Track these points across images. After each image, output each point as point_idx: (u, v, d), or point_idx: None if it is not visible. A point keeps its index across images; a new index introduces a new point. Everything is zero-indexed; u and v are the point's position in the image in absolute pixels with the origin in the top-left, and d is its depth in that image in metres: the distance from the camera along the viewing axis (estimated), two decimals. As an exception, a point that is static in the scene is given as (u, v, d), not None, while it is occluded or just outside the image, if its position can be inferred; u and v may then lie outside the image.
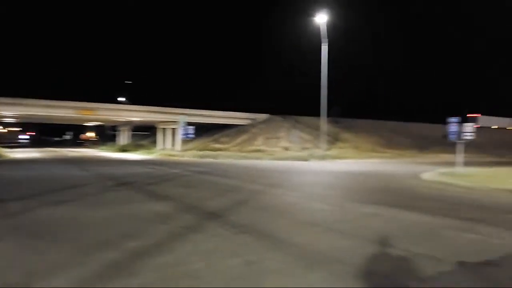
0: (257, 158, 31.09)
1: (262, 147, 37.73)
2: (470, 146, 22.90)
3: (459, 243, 5.95)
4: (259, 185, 13.39)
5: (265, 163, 26.85)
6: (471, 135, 19.01)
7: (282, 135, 40.77)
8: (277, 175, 17.80)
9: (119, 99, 54.88)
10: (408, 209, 9.02)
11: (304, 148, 36.53)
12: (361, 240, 6.05)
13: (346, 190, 13.08)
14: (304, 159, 30.12)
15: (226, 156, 32.57)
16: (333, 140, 39.15)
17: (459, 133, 19.29)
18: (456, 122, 19.34)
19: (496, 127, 59.71)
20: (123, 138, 58.00)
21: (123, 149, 49.98)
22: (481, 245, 5.84)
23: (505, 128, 61.25)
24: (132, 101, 50.97)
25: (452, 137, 19.52)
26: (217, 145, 40.33)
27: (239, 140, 41.00)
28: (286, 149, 37.15)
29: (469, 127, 19.08)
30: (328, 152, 33.10)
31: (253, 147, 37.91)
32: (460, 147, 19.93)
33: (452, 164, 21.05)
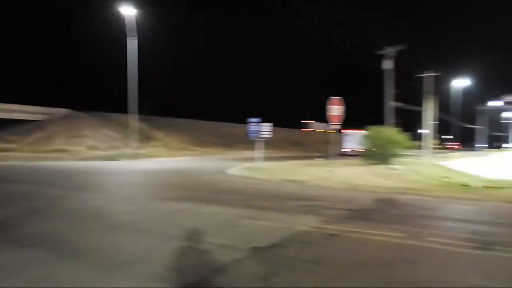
0: (58, 159, 27.69)
1: (64, 147, 33.76)
2: (270, 144, 26.08)
3: (253, 231, 6.59)
4: (61, 189, 11.94)
5: (68, 164, 24.19)
6: (268, 134, 21.56)
7: (88, 133, 37.42)
8: (82, 177, 16.29)
9: None
10: (212, 202, 9.54)
11: (113, 147, 34.51)
12: (166, 237, 6.06)
13: (155, 189, 12.97)
14: (114, 158, 28.45)
15: (17, 157, 27.88)
16: (145, 138, 38.30)
17: (258, 132, 21.64)
18: (255, 122, 21.62)
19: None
20: None
21: None
22: (270, 230, 6.60)
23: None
24: None
25: (252, 136, 21.75)
26: (4, 145, 34.17)
27: (32, 138, 35.63)
28: (94, 148, 34.36)
29: (266, 127, 21.59)
30: (139, 151, 32.21)
31: (53, 147, 33.55)
32: (259, 145, 22.36)
33: (252, 159, 23.38)
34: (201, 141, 43.96)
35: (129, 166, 22.69)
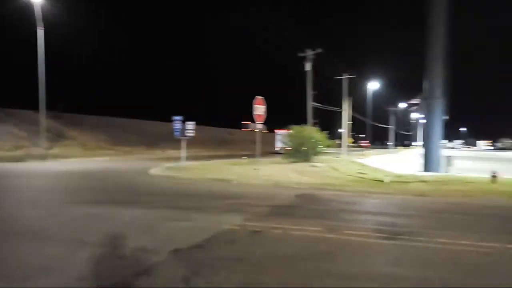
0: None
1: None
2: (195, 143, 25.73)
3: (175, 232, 6.42)
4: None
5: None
6: (191, 132, 21.22)
7: (-16, 131, 33.60)
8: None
9: None
10: (133, 205, 9.13)
11: (18, 147, 31.42)
12: (80, 243, 5.61)
13: (68, 192, 12.02)
14: (19, 159, 25.92)
15: None
16: (56, 137, 35.41)
17: (183, 130, 21.21)
18: (179, 121, 21.16)
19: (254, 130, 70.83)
20: None
21: None
22: (193, 230, 6.49)
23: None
24: None
25: (177, 134, 21.27)
26: None
27: None
28: (-6, 148, 31.03)
29: (190, 125, 21.23)
30: (51, 151, 29.79)
31: None
32: (183, 143, 21.94)
33: (177, 158, 22.87)
34: (121, 140, 41.92)
35: (38, 167, 20.84)
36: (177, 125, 21.20)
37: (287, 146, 26.60)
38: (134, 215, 7.83)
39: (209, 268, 4.53)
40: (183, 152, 22.04)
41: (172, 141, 26.55)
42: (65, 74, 60.29)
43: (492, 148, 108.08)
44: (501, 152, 75.80)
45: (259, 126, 15.91)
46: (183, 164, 21.12)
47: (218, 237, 6.01)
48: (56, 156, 28.25)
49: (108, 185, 13.56)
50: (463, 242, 5.80)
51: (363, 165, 24.16)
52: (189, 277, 4.24)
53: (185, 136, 21.19)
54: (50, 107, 30.37)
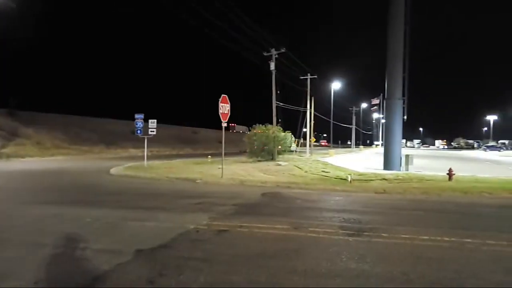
0: None
1: None
2: (159, 141, 25.20)
3: (139, 233, 6.21)
4: None
5: None
6: (153, 131, 20.77)
7: None
8: None
9: None
10: (94, 205, 8.80)
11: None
12: (37, 246, 5.31)
13: (24, 192, 11.40)
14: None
15: None
16: (10, 136, 33.66)
17: (144, 128, 20.73)
18: (141, 119, 20.66)
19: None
20: None
21: None
22: (157, 231, 6.31)
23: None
24: None
25: (138, 133, 20.75)
26: None
27: None
28: None
29: (152, 124, 20.78)
30: (3, 150, 28.25)
31: None
32: (146, 142, 21.43)
33: (139, 158, 22.32)
34: (80, 139, 40.43)
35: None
36: (139, 123, 20.69)
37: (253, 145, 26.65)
38: (95, 215, 7.52)
39: (175, 269, 4.41)
40: (144, 151, 21.54)
41: (133, 140, 25.93)
42: (18, 68, 57.40)
43: (448, 147, 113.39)
44: (456, 151, 79.86)
45: (223, 124, 15.75)
46: (145, 163, 20.63)
47: (183, 237, 5.87)
48: (9, 156, 26.83)
49: (67, 185, 13.00)
50: (423, 237, 5.98)
51: (326, 163, 24.59)
52: (153, 278, 4.10)
53: (147, 135, 20.71)
54: (2, 103, 28.76)
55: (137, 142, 27.81)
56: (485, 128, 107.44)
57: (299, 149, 41.52)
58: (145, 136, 20.80)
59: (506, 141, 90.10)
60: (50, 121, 42.21)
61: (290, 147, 29.09)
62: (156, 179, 14.84)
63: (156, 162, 22.41)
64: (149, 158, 22.23)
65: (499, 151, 67.86)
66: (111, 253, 4.98)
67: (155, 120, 20.78)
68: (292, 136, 29.29)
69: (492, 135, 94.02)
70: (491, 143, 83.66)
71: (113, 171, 17.82)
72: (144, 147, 21.86)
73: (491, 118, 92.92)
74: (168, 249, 5.23)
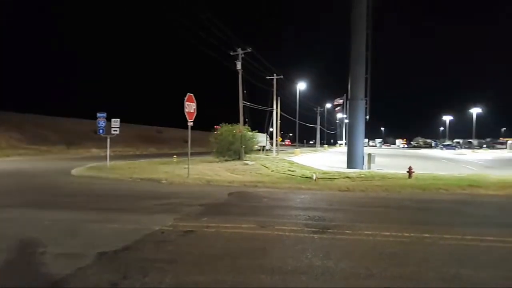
0: None
1: None
2: (120, 141, 24.57)
3: (101, 235, 6.03)
4: None
5: None
6: (116, 130, 20.24)
7: None
8: None
9: None
10: (54, 207, 8.48)
11: None
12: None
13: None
14: None
15: None
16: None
17: (107, 128, 20.17)
18: (103, 118, 20.08)
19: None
20: None
21: None
22: (121, 232, 6.15)
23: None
24: None
25: (101, 132, 20.16)
26: None
27: None
28: None
29: (114, 123, 20.24)
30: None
31: None
32: (108, 142, 20.85)
33: (102, 158, 21.69)
34: (38, 139, 38.72)
35: None
36: (101, 123, 20.10)
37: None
38: (55, 218, 7.26)
39: (139, 271, 4.32)
40: (107, 151, 20.96)
41: (96, 139, 25.18)
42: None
43: (408, 146, 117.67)
44: (415, 149, 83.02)
45: (189, 123, 15.57)
46: (108, 163, 20.08)
47: (148, 239, 5.77)
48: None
49: (24, 187, 12.43)
50: (385, 233, 6.18)
51: (292, 162, 24.87)
52: (117, 281, 4.00)
53: (110, 134, 20.17)
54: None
55: (100, 142, 26.97)
56: (442, 128, 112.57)
57: (266, 148, 41.82)
58: (108, 136, 20.24)
59: (461, 140, 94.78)
60: (5, 120, 40.15)
61: (264, 146, 29.18)
62: (119, 180, 14.48)
63: (120, 163, 21.86)
64: (112, 158, 21.66)
65: (454, 149, 71.27)
66: (72, 257, 4.81)
67: (118, 119, 20.25)
68: (268, 136, 29.42)
69: (448, 134, 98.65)
70: (447, 142, 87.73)
71: (74, 172, 17.22)
72: (106, 147, 21.27)
73: (447, 118, 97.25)
74: (132, 251, 5.12)
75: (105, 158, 21.46)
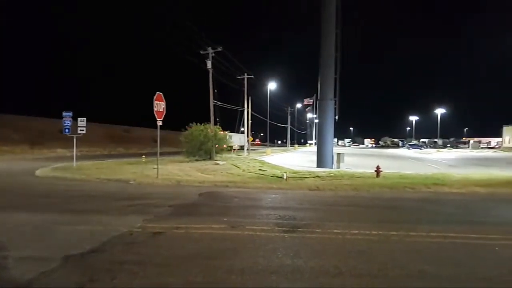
0: None
1: None
2: (86, 140, 23.88)
3: (68, 237, 5.84)
4: None
5: None
6: (83, 130, 19.67)
7: None
8: None
9: None
10: (19, 209, 8.13)
11: None
12: None
13: None
14: None
15: None
16: None
17: (73, 127, 19.57)
18: (69, 117, 19.47)
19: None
20: None
21: None
22: (89, 234, 5.98)
23: None
24: None
25: (67, 132, 19.53)
26: None
27: None
28: None
29: (81, 122, 19.67)
30: None
31: None
32: (74, 142, 20.23)
33: (68, 158, 21.04)
34: None
35: None
36: (67, 122, 19.49)
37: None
38: (19, 220, 6.99)
39: (107, 273, 4.22)
40: (73, 151, 20.33)
41: (61, 139, 24.38)
42: None
43: (376, 145, 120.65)
44: (383, 149, 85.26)
45: (159, 123, 15.34)
46: (74, 164, 19.49)
47: (116, 241, 5.64)
48: None
49: (-17, 189, 11.86)
50: (354, 231, 6.32)
51: (263, 162, 24.97)
52: (83, 284, 3.90)
53: (76, 134, 19.58)
54: None
55: (66, 142, 26.08)
56: (409, 128, 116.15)
57: (237, 147, 41.77)
58: (74, 135, 19.64)
59: (426, 140, 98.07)
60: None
61: (228, 145, 29.12)
62: (86, 181, 14.09)
63: (86, 163, 21.26)
64: (78, 158, 21.03)
65: (420, 149, 73.65)
66: (36, 260, 4.64)
67: (85, 119, 19.68)
68: (231, 135, 29.35)
69: (415, 134, 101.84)
70: (414, 142, 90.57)
71: (38, 172, 16.62)
72: (73, 147, 20.63)
73: (414, 118, 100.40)
74: (100, 254, 4.99)
75: (71, 158, 20.82)
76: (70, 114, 19.42)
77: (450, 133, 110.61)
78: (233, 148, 39.61)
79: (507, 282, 4.19)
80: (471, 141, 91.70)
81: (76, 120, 19.68)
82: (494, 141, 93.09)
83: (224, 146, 29.60)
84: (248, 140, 42.32)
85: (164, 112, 14.86)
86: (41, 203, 9.22)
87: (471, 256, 5.15)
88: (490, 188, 12.30)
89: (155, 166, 15.40)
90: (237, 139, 42.45)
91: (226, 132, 30.03)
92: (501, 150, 69.79)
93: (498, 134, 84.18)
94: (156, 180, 13.91)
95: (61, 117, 19.62)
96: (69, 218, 7.27)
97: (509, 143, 76.29)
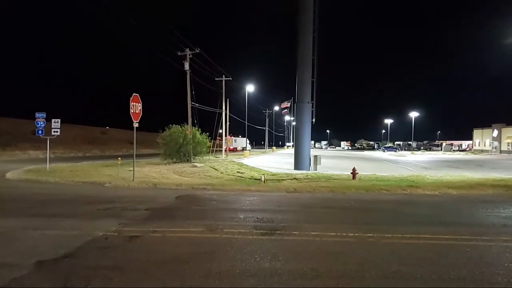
0: None
1: None
2: (61, 142, 23.24)
3: (40, 243, 5.68)
4: None
5: None
6: (57, 131, 19.16)
7: None
8: None
9: None
10: (-15, 214, 7.88)
11: None
12: None
13: None
14: None
15: None
16: None
17: (47, 128, 19.03)
18: (43, 118, 18.94)
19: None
20: None
21: None
22: (62, 239, 5.83)
23: None
24: None
25: (40, 133, 18.99)
26: None
27: None
28: None
29: (55, 123, 19.15)
30: None
31: None
32: (48, 143, 19.68)
33: (41, 160, 20.46)
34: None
35: None
36: (40, 123, 18.94)
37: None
38: (-15, 226, 6.73)
39: (81, 279, 4.13)
40: (47, 153, 19.79)
41: (34, 141, 23.68)
42: None
43: (352, 148, 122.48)
44: (359, 151, 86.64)
45: (135, 124, 15.12)
46: (48, 166, 18.96)
47: (90, 245, 5.52)
48: None
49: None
50: (331, 233, 6.39)
51: (241, 164, 24.95)
52: (56, 292, 3.79)
53: (50, 135, 19.05)
54: None
55: (39, 143, 25.34)
56: (384, 131, 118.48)
57: (215, 149, 41.53)
58: (48, 137, 19.10)
59: (401, 142, 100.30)
60: None
61: (206, 148, 28.89)
62: (60, 184, 13.73)
63: (60, 165, 20.74)
64: (52, 160, 20.48)
65: (395, 151, 75.27)
66: (7, 267, 4.50)
67: (59, 120, 19.17)
68: (209, 137, 29.16)
69: (389, 137, 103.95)
70: (389, 144, 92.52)
71: (9, 175, 16.09)
72: (46, 149, 20.07)
73: (389, 121, 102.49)
74: (74, 259, 4.87)
75: (44, 160, 20.24)
76: (44, 115, 18.88)
77: (424, 136, 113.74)
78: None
79: (478, 282, 4.33)
80: (444, 144, 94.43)
81: (51, 122, 19.15)
82: (465, 143, 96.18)
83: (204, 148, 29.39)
84: (226, 143, 42.20)
85: (141, 114, 14.66)
86: (11, 207, 8.94)
87: (444, 256, 5.29)
88: (462, 190, 12.68)
89: (131, 169, 15.16)
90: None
91: (204, 135, 29.75)
92: (472, 152, 72.32)
93: (469, 137, 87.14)
94: (132, 182, 13.69)
95: (34, 118, 19.07)
96: (41, 223, 7.07)
97: (479, 145, 79.09)
